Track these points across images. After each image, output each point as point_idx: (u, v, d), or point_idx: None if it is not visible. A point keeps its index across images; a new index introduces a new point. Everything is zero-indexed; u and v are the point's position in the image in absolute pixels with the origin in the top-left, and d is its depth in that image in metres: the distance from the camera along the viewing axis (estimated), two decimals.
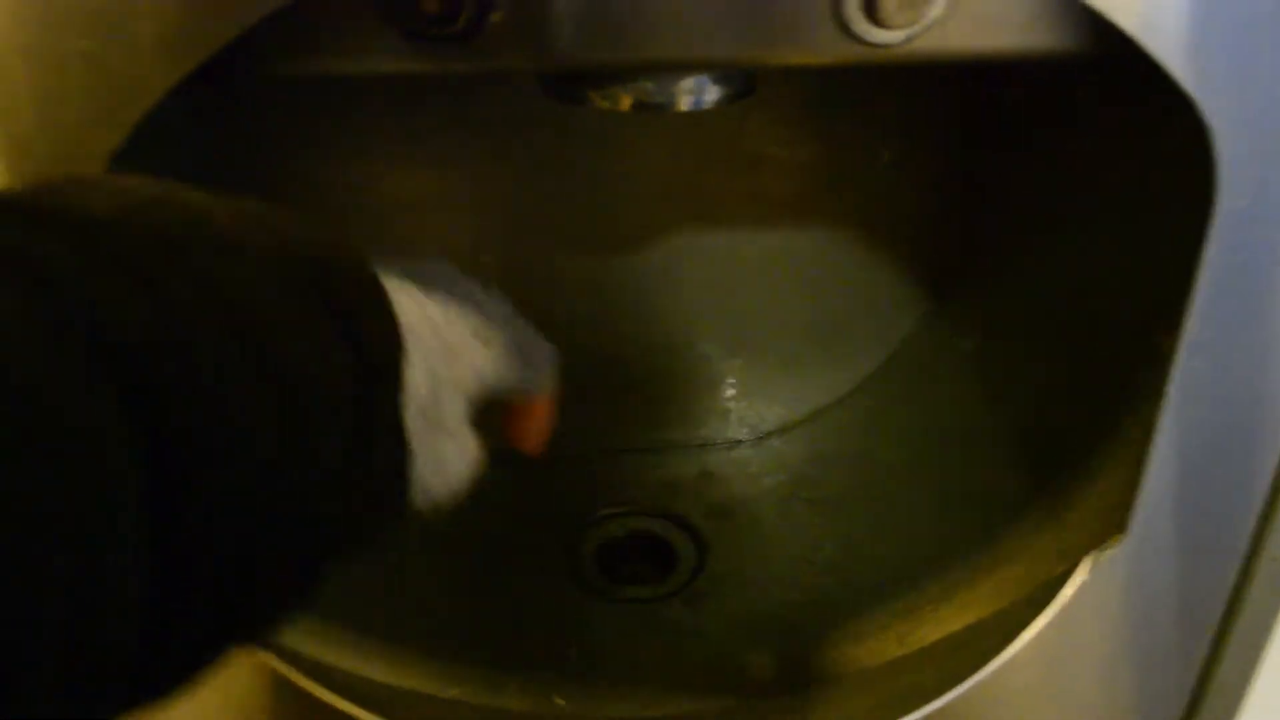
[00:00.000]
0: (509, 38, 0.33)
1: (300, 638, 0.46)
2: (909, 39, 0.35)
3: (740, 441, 0.66)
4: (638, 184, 0.59)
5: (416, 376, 0.31)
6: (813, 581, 0.58)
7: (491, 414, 0.38)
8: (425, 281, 0.34)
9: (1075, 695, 0.49)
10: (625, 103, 0.39)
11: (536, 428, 0.41)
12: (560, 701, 0.49)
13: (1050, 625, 0.46)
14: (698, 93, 0.39)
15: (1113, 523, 0.45)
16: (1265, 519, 0.46)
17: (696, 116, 0.56)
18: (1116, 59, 0.35)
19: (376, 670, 0.49)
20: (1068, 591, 0.45)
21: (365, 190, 0.57)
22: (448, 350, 0.33)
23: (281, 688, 0.43)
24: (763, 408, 0.66)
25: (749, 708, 0.50)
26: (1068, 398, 0.52)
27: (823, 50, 0.35)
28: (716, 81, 0.39)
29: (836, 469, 0.63)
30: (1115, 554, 0.45)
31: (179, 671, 0.24)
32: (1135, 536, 0.45)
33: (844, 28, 0.35)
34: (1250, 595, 0.48)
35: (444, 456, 0.33)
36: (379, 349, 0.29)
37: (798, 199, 0.61)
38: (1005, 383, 0.58)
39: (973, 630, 0.49)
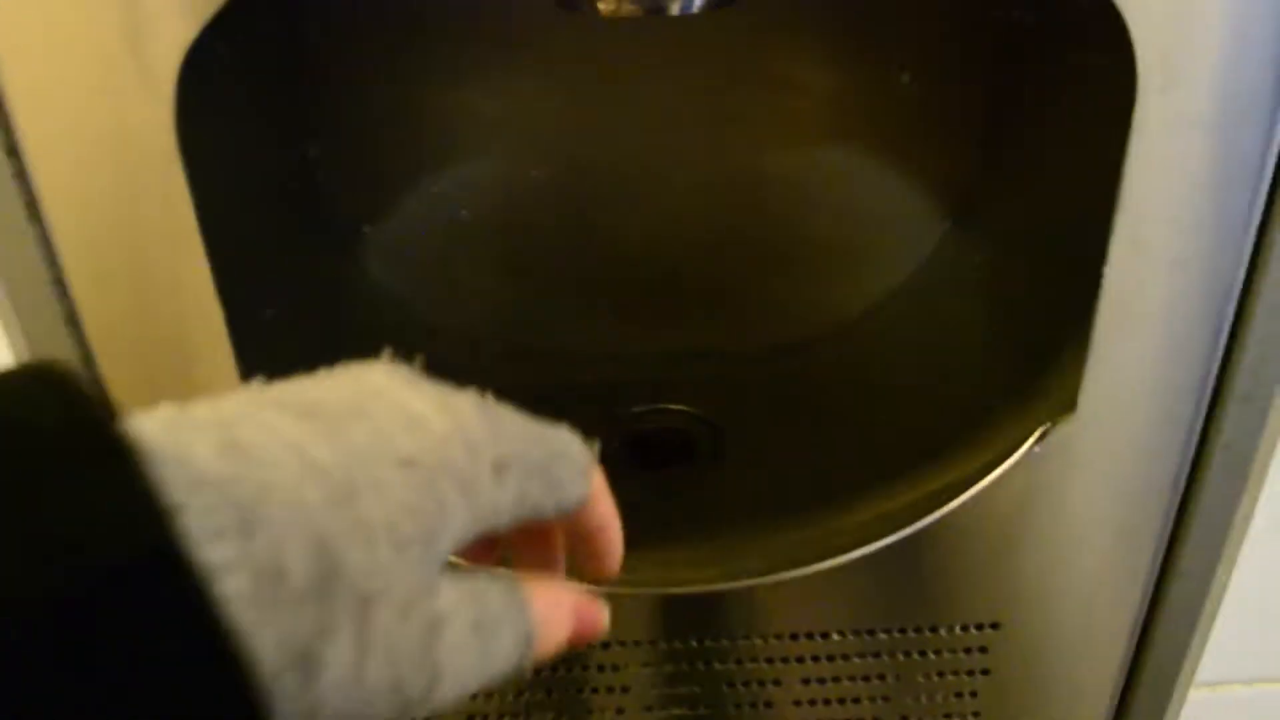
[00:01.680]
0: None
1: None
2: None
3: (759, 354, 0.71)
4: (662, 106, 0.65)
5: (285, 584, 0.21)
6: (817, 474, 0.63)
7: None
8: (356, 402, 0.25)
9: (1040, 564, 0.54)
10: (626, 7, 0.45)
11: (604, 541, 0.32)
12: None
13: (1009, 495, 0.51)
14: None
15: (1067, 406, 0.50)
16: (1213, 406, 0.50)
17: (718, 38, 0.62)
18: None
19: None
20: (1016, 458, 0.50)
21: (424, 110, 0.65)
22: (399, 508, 0.24)
23: None
24: (783, 322, 0.71)
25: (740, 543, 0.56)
26: (1049, 301, 0.56)
27: None
28: None
29: (852, 380, 0.68)
30: (1069, 434, 0.50)
31: None
32: (1086, 417, 0.49)
33: None
34: (1207, 480, 0.52)
35: (406, 665, 0.24)
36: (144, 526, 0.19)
37: (820, 119, 0.66)
38: (1007, 295, 0.63)
39: (931, 495, 0.54)
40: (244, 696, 0.20)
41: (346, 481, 0.23)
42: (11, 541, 0.18)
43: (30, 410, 0.20)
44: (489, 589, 0.27)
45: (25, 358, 0.47)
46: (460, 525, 0.25)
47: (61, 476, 0.19)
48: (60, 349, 0.46)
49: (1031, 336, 0.57)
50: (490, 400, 0.28)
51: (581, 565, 0.33)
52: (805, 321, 0.71)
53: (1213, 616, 0.59)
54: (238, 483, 0.21)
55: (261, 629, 0.21)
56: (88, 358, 0.46)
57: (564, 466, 0.29)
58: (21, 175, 0.43)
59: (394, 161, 0.66)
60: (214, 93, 0.46)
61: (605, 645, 0.56)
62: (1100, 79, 0.45)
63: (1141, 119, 0.42)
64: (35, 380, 0.21)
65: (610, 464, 0.62)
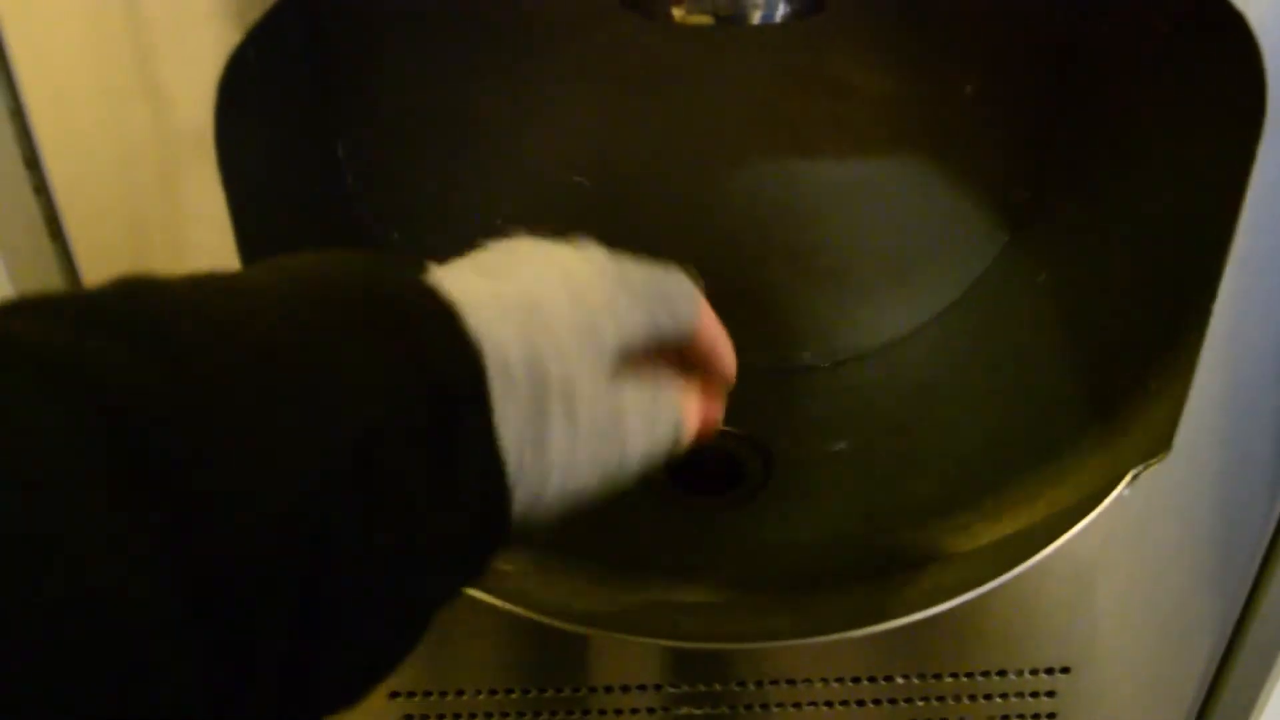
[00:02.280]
0: None
1: None
2: None
3: (815, 367, 0.68)
4: (723, 110, 0.62)
5: (515, 385, 0.28)
6: (874, 499, 0.60)
7: None
8: (515, 260, 0.31)
9: (1117, 606, 0.51)
10: (700, 16, 0.42)
11: (719, 355, 0.36)
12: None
13: (1090, 537, 0.48)
14: (767, 7, 0.41)
15: (1159, 443, 0.47)
16: None
17: (782, 43, 0.59)
18: None
19: None
20: (1106, 504, 0.47)
21: (459, 114, 0.61)
22: (572, 328, 0.29)
23: None
24: (839, 335, 0.68)
25: (799, 597, 0.53)
26: (1128, 328, 0.53)
27: None
28: None
29: (908, 397, 0.65)
30: (1159, 473, 0.47)
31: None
32: (1179, 456, 0.46)
33: None
34: None
35: (602, 441, 0.30)
36: (450, 371, 0.26)
37: (880, 128, 0.62)
38: (1073, 315, 0.59)
39: (1017, 537, 0.51)
40: (500, 480, 0.28)
41: (532, 304, 0.29)
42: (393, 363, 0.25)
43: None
44: (654, 391, 0.34)
45: None
46: (612, 338, 0.31)
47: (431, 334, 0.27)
48: None
49: (1111, 368, 0.54)
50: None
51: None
52: (857, 337, 0.68)
53: None
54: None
55: (503, 422, 0.27)
56: None
57: (678, 293, 0.34)
58: (42, 189, 0.39)
59: (424, 166, 0.63)
60: (250, 99, 0.42)
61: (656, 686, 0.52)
62: (1224, 111, 0.42)
63: (1270, 146, 0.38)
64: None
65: (652, 490, 0.59)
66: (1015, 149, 0.64)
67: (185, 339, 0.22)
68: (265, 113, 0.47)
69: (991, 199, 0.65)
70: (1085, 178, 0.60)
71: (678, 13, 0.42)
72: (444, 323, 0.27)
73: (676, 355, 0.35)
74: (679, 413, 0.35)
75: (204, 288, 0.25)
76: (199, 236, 0.40)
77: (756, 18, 0.42)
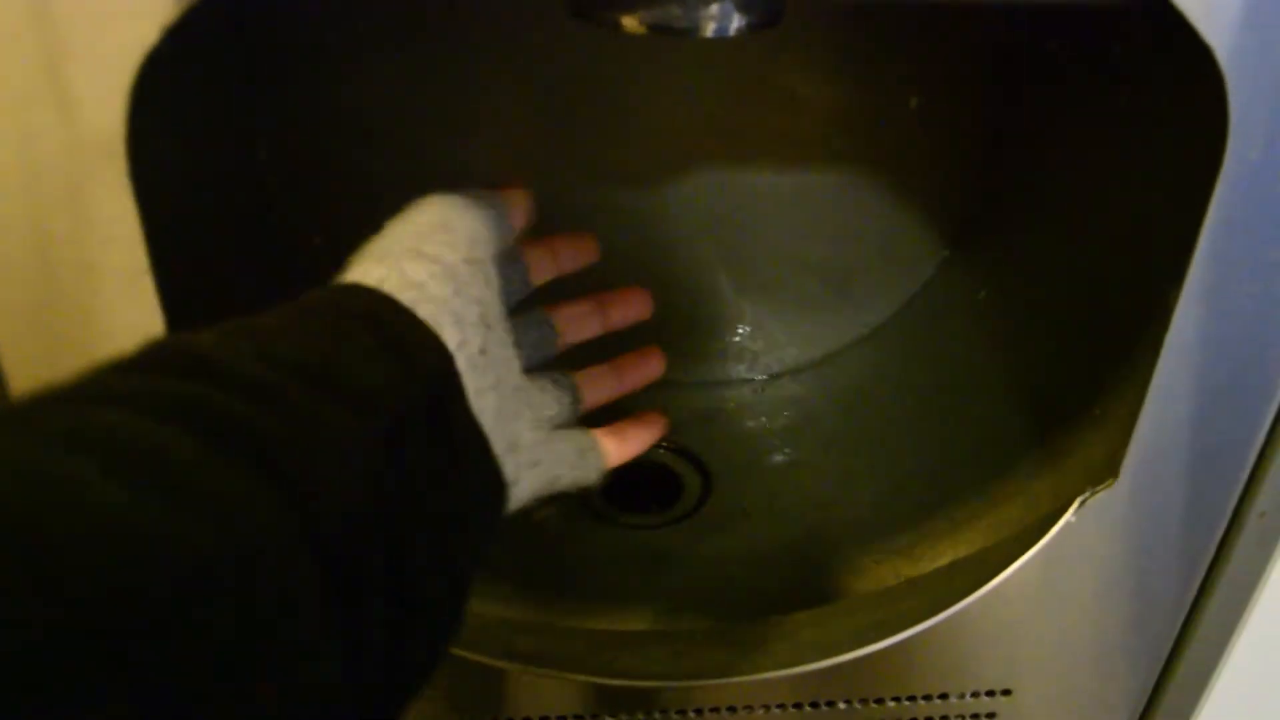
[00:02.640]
0: None
1: None
2: None
3: (751, 380, 0.67)
4: (663, 117, 0.60)
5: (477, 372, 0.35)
6: (813, 518, 0.59)
7: None
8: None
9: (1060, 630, 0.50)
10: (649, 26, 0.40)
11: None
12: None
13: (1036, 562, 0.47)
14: (722, 19, 0.40)
15: (1106, 469, 0.46)
16: (1255, 472, 0.47)
17: (728, 51, 0.57)
18: (1143, 11, 0.35)
19: None
20: (1054, 531, 0.46)
21: (393, 115, 0.58)
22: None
23: None
24: (776, 348, 0.67)
25: (736, 628, 0.51)
26: (1073, 350, 0.53)
27: None
28: (741, 9, 0.39)
29: (845, 411, 0.64)
30: (1105, 498, 0.46)
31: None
32: (1125, 482, 0.46)
33: None
34: (1238, 546, 0.49)
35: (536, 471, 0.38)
36: (431, 362, 0.33)
37: (823, 140, 0.61)
38: (1014, 334, 0.59)
39: (959, 565, 0.50)
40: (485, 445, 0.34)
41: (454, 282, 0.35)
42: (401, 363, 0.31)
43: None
44: (563, 441, 0.41)
45: None
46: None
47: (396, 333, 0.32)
48: None
49: (1054, 390, 0.54)
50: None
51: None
52: (795, 350, 0.67)
53: (1216, 679, 0.56)
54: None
55: (482, 412, 0.35)
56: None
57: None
58: None
59: (349, 169, 0.60)
60: (165, 102, 0.39)
61: None
62: (1187, 133, 0.41)
63: (1228, 180, 0.38)
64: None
65: (586, 508, 0.57)
66: (959, 164, 0.63)
67: (258, 377, 0.27)
68: (180, 117, 0.44)
69: (932, 213, 0.64)
70: (1030, 195, 0.60)
71: (628, 22, 0.40)
72: (420, 329, 0.33)
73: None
74: (601, 455, 0.43)
75: (243, 334, 0.29)
76: (108, 253, 0.37)
77: (710, 30, 0.40)
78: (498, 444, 0.35)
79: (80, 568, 0.19)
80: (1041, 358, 0.56)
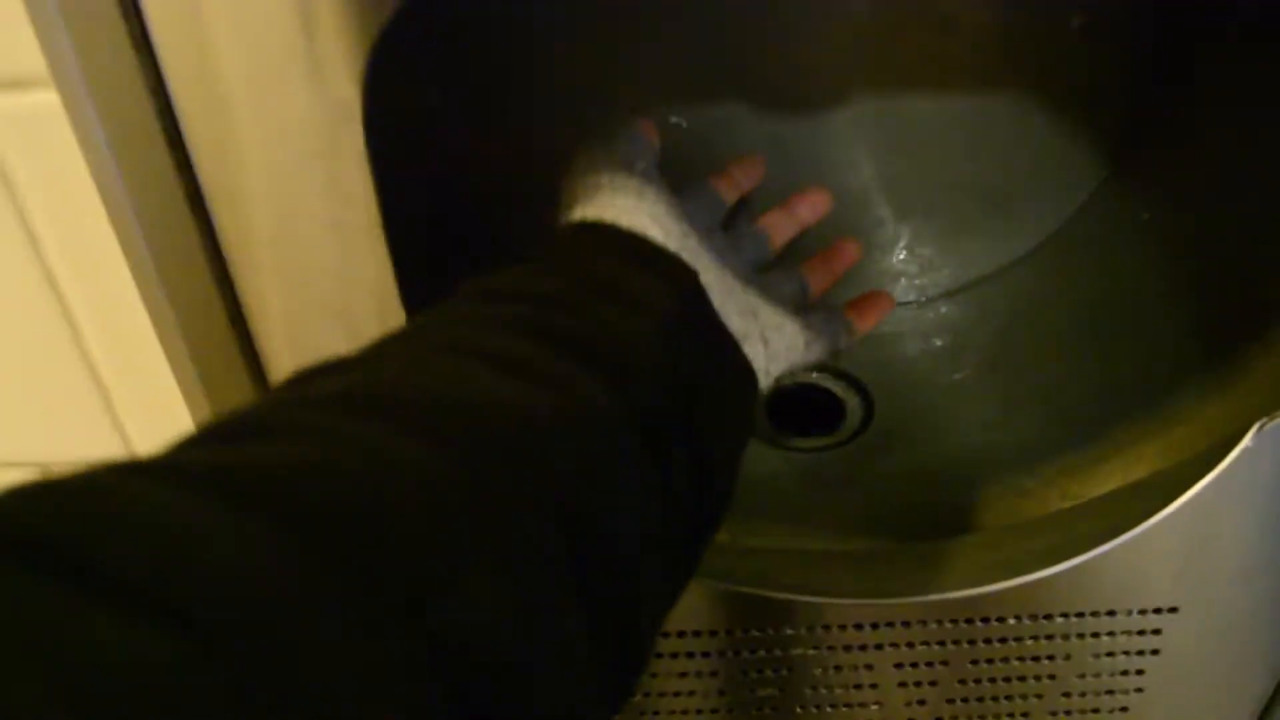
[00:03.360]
0: None
1: None
2: None
3: (910, 303, 0.68)
4: (825, 42, 0.60)
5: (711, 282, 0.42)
6: (977, 438, 0.61)
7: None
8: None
9: (1228, 553, 0.51)
10: None
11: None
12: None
13: (1212, 487, 0.48)
14: None
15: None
16: None
17: None
18: None
19: None
20: (1231, 457, 0.47)
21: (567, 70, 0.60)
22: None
23: None
24: (933, 271, 0.68)
25: (915, 548, 0.54)
26: (1242, 275, 0.53)
27: None
28: None
29: (1004, 333, 0.65)
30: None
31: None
32: None
33: None
34: None
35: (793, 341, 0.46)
36: (682, 279, 0.40)
37: (982, 62, 0.61)
38: (1179, 256, 0.59)
39: (1135, 489, 0.52)
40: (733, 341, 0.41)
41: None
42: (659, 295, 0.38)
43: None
44: (814, 317, 0.48)
45: (191, 362, 0.44)
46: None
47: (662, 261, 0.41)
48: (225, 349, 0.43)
49: (1223, 312, 0.54)
50: None
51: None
52: (953, 272, 0.67)
53: None
54: None
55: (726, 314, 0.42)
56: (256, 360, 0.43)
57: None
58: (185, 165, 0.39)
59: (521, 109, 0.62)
60: (395, 75, 0.41)
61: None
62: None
63: None
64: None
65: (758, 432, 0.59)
66: (1119, 84, 0.62)
67: (570, 296, 0.36)
68: (406, 91, 0.47)
69: (1092, 134, 0.64)
70: (1190, 119, 0.59)
71: None
72: (664, 254, 0.41)
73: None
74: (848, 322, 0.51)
75: (538, 270, 0.38)
76: (350, 211, 0.40)
77: None
78: (744, 335, 0.42)
79: (513, 434, 0.28)
80: (1210, 281, 0.56)
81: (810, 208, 0.55)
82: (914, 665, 0.55)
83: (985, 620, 0.54)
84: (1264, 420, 0.47)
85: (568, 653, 0.27)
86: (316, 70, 0.36)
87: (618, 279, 0.37)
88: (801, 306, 0.49)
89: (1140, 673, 0.57)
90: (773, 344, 0.44)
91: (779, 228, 0.53)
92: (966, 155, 0.65)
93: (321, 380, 0.28)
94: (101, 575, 0.18)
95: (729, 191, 0.52)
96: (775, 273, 0.50)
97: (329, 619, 0.20)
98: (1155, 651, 0.56)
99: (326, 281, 0.41)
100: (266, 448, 0.24)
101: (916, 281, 0.68)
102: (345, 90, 0.36)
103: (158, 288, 0.41)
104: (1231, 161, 0.57)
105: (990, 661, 0.56)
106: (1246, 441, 0.47)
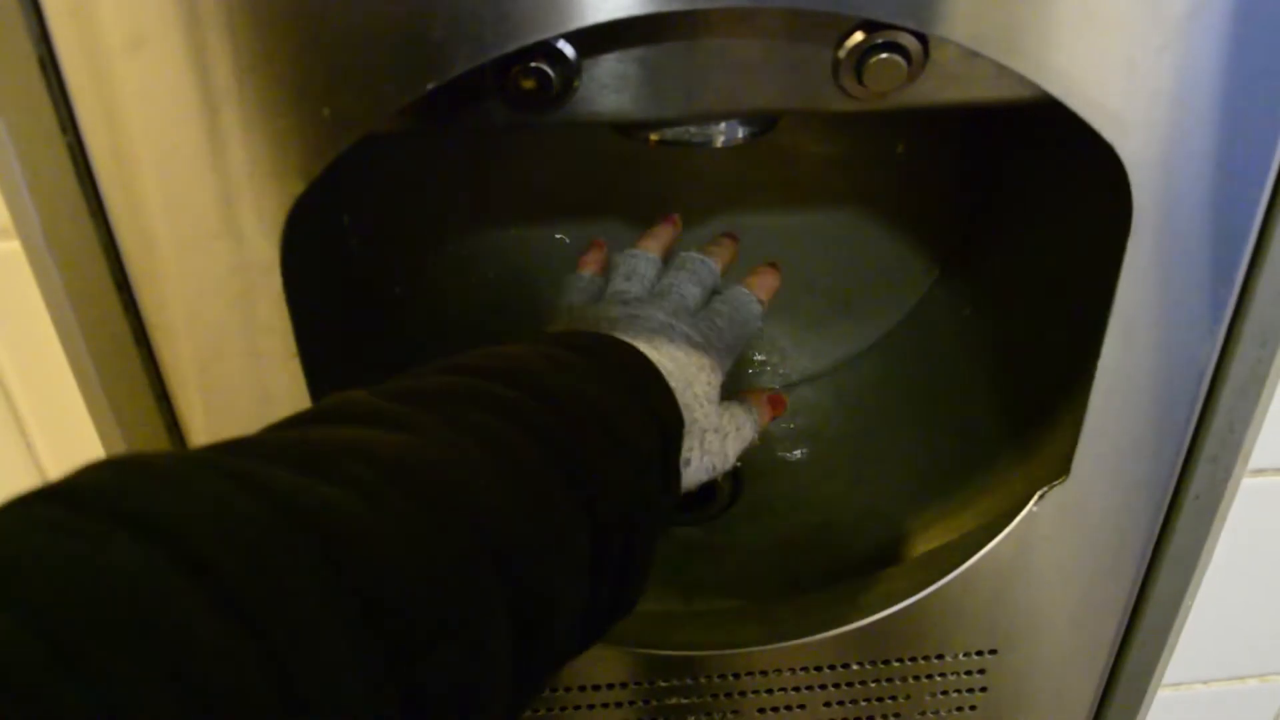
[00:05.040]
0: (589, 100, 0.45)
1: None
2: (891, 97, 0.46)
3: (773, 389, 0.77)
4: (688, 175, 0.70)
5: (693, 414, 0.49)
6: (828, 508, 0.70)
7: None
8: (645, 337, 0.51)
9: (1033, 600, 0.61)
10: (673, 141, 0.50)
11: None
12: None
13: (1008, 544, 0.58)
14: (729, 133, 0.50)
15: (1061, 466, 0.56)
16: (1185, 466, 0.57)
17: None
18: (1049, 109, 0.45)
19: None
20: (1017, 520, 0.57)
21: (453, 184, 0.69)
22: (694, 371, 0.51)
23: None
24: (791, 361, 0.77)
25: (763, 606, 0.62)
26: (1038, 364, 0.63)
27: (827, 104, 0.46)
28: (744, 123, 0.50)
29: (853, 414, 0.75)
30: (1061, 490, 0.57)
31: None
32: (1076, 478, 0.56)
33: (841, 89, 0.45)
34: (1179, 524, 0.59)
35: (725, 444, 0.52)
36: (668, 415, 0.46)
37: (825, 185, 0.72)
38: (992, 346, 0.69)
39: (948, 547, 0.61)
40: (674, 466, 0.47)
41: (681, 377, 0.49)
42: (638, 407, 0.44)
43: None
44: (738, 408, 0.54)
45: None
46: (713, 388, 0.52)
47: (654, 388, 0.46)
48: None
49: (1025, 396, 0.64)
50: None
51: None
52: (808, 361, 0.77)
53: (1179, 631, 0.67)
54: None
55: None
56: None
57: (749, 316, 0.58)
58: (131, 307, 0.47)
59: (422, 228, 0.71)
60: (308, 227, 0.50)
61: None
62: (1097, 206, 0.51)
63: (1137, 243, 0.48)
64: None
65: None
66: (942, 198, 0.73)
67: (558, 393, 0.41)
68: (317, 235, 0.55)
69: (921, 243, 0.74)
70: (1002, 229, 0.69)
71: (655, 137, 0.50)
72: (660, 384, 0.47)
73: None
74: (756, 416, 0.56)
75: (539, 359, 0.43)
76: (268, 342, 0.48)
77: (719, 142, 0.50)
78: (685, 462, 0.49)
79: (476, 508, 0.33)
80: (1015, 368, 0.66)
81: (723, 255, 0.61)
82: (774, 710, 0.64)
83: (833, 666, 0.62)
84: (1044, 489, 0.57)
85: (497, 662, 0.33)
86: (235, 233, 0.44)
87: (619, 411, 0.42)
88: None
89: (974, 708, 0.66)
90: (708, 445, 0.50)
91: (720, 253, 0.60)
92: (817, 262, 0.75)
93: (370, 428, 0.35)
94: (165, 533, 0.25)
95: (655, 248, 0.59)
96: (735, 405, 0.55)
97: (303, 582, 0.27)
98: (984, 689, 0.65)
99: (245, 402, 0.48)
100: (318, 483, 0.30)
101: (780, 371, 0.77)
102: (263, 250, 0.45)
103: (106, 409, 0.49)
104: (1030, 262, 0.67)
105: (842, 703, 0.64)
106: (1030, 507, 0.57)
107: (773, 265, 0.61)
